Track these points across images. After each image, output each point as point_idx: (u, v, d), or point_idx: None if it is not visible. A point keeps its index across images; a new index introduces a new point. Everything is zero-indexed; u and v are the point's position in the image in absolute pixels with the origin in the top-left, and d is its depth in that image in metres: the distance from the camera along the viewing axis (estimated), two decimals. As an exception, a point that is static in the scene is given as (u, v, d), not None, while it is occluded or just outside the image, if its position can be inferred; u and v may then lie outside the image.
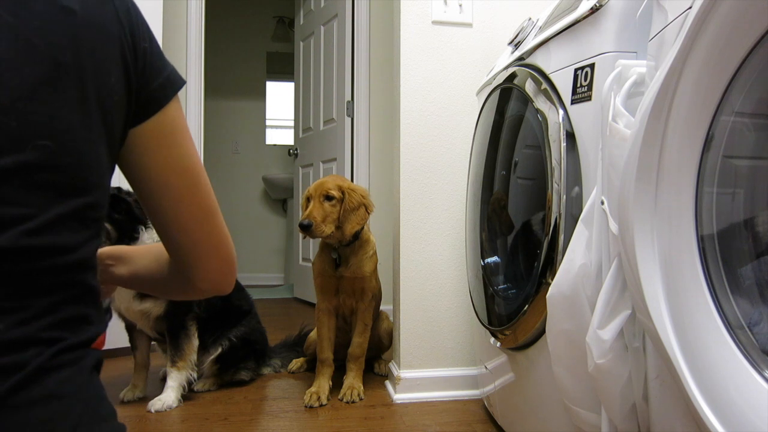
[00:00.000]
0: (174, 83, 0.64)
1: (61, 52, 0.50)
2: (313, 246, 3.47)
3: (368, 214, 1.83)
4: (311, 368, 2.15)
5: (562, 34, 1.15)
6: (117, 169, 0.64)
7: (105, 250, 0.77)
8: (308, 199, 1.82)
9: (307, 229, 1.72)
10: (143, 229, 1.68)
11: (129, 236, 1.65)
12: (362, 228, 1.88)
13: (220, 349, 1.92)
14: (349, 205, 1.78)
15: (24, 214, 0.48)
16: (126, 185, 1.83)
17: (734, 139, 0.72)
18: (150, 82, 0.60)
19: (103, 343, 1.23)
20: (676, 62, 0.70)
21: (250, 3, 4.91)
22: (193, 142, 0.67)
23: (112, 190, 1.67)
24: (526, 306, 1.18)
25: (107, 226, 1.61)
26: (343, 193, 1.79)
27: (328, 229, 1.76)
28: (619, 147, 0.85)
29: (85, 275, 0.55)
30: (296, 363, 2.22)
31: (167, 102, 0.63)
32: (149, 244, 0.90)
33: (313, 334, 2.16)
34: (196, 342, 1.83)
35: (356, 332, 1.91)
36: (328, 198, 1.77)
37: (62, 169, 0.50)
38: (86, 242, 0.55)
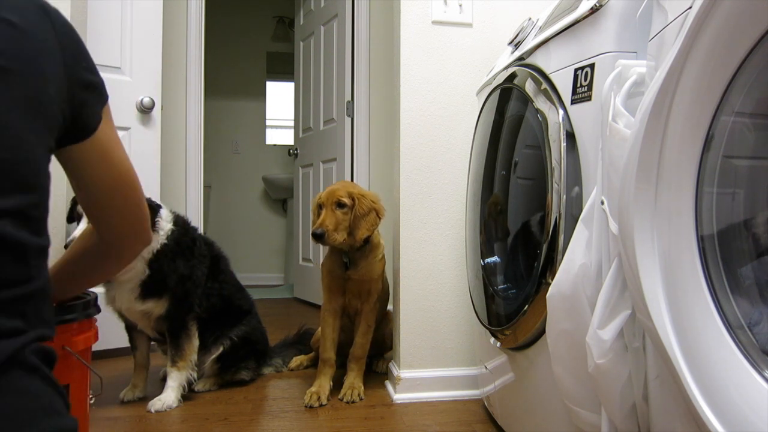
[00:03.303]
0: (104, 97, 0.70)
1: (2, 56, 0.53)
2: (313, 247, 3.47)
3: (379, 219, 1.85)
4: (316, 364, 2.15)
5: (562, 34, 1.15)
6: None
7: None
8: (319, 207, 1.83)
9: (320, 238, 1.74)
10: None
11: None
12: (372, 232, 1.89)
13: (221, 349, 1.92)
14: (359, 211, 1.79)
15: None
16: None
17: (734, 139, 0.72)
18: (87, 100, 0.65)
19: (96, 336, 1.25)
20: (676, 62, 0.70)
21: (250, 3, 4.91)
22: (122, 147, 0.78)
23: None
24: (526, 306, 1.18)
25: None
26: (353, 199, 1.80)
27: (341, 236, 1.77)
28: (619, 147, 0.85)
29: (42, 272, 0.59)
30: (296, 360, 2.24)
31: (102, 116, 0.69)
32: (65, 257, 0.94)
33: (320, 331, 2.17)
34: (196, 342, 1.83)
35: (359, 333, 1.91)
36: (340, 205, 1.78)
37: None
38: (35, 237, 0.57)
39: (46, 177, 0.60)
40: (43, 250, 0.59)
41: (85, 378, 1.25)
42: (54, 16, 0.61)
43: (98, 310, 1.30)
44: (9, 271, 0.54)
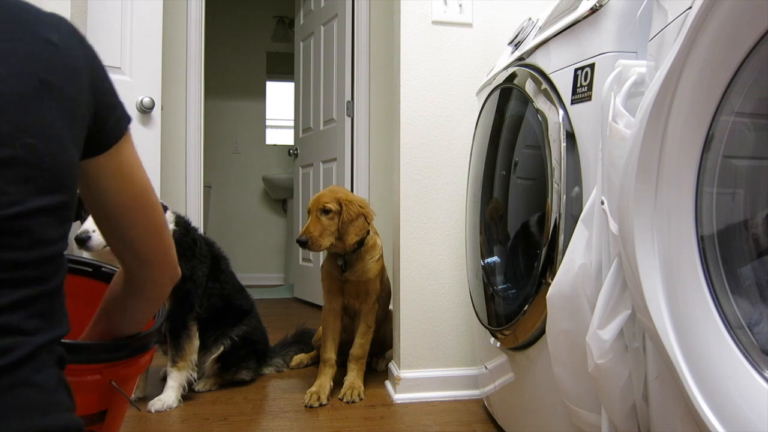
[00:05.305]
0: (126, 119, 0.74)
1: (45, 72, 0.59)
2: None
3: (368, 223, 1.86)
4: (316, 362, 2.15)
5: (562, 34, 1.15)
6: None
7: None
8: (309, 213, 1.85)
9: (304, 244, 1.78)
10: None
11: None
12: (368, 233, 1.90)
13: (222, 348, 1.92)
14: (347, 217, 1.80)
15: (10, 201, 0.55)
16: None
17: (734, 139, 0.72)
18: (107, 118, 0.70)
19: (151, 359, 1.11)
20: (676, 62, 0.70)
21: (250, 3, 4.91)
22: (143, 169, 0.78)
23: None
24: (526, 306, 1.18)
25: None
26: (340, 205, 1.81)
27: (327, 242, 1.79)
28: (619, 147, 0.85)
29: (60, 272, 0.62)
30: (297, 359, 2.26)
31: (122, 136, 0.73)
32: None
33: (320, 330, 2.18)
34: (196, 342, 1.83)
35: (359, 333, 1.92)
36: (325, 212, 1.80)
37: (43, 167, 0.58)
38: (62, 238, 0.62)
39: (78, 185, 0.66)
40: (63, 250, 0.64)
41: (123, 408, 1.12)
42: (86, 41, 0.68)
43: (145, 349, 1.05)
44: (39, 268, 0.58)
